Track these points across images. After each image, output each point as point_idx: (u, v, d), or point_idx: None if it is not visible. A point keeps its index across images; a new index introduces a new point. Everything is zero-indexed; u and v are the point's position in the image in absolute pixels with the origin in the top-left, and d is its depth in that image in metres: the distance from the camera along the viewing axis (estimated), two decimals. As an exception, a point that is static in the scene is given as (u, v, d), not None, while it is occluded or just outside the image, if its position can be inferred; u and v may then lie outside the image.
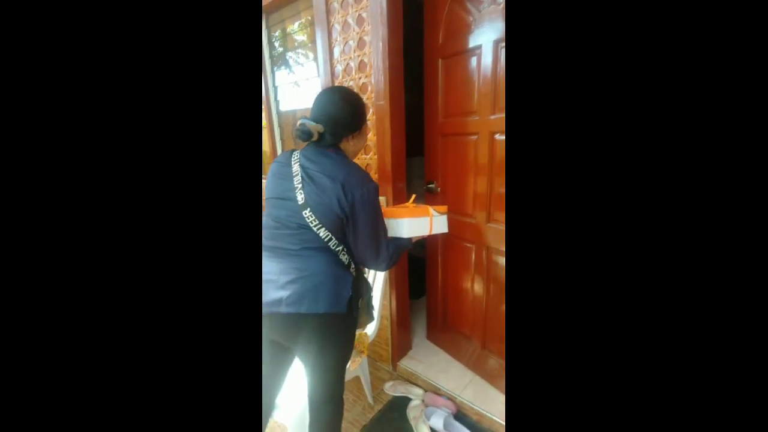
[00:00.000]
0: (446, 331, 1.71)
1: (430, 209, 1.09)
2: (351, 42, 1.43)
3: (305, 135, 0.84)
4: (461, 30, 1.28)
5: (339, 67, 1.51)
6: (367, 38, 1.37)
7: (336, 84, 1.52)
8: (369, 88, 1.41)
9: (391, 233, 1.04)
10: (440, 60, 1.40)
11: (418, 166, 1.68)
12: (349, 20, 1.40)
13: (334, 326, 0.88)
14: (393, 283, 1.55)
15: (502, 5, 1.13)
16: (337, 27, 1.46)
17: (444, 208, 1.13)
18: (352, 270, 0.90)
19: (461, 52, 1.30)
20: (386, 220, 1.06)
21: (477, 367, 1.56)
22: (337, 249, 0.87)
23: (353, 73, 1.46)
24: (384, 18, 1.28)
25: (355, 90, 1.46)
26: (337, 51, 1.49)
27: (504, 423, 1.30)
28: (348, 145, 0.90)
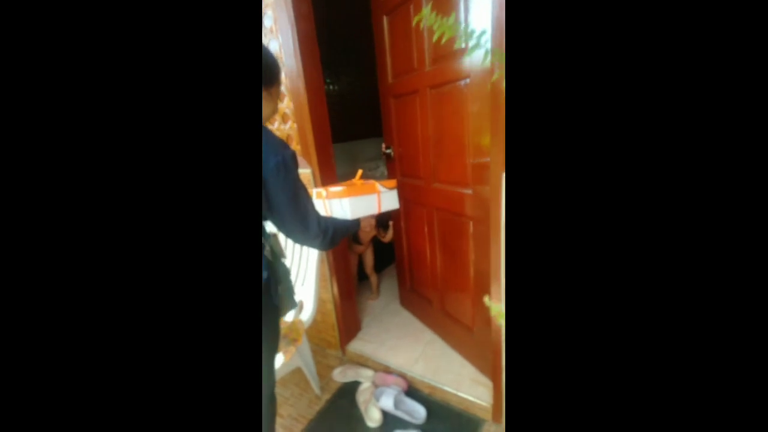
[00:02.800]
0: (413, 294, 1.71)
1: (377, 185, 1.01)
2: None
3: None
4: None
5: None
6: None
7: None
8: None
9: (335, 215, 0.97)
10: (385, 17, 1.34)
11: (372, 147, 1.63)
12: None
13: None
14: (333, 267, 1.48)
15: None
16: None
17: (393, 182, 1.06)
18: (266, 252, 0.82)
19: (400, 4, 1.24)
20: (329, 202, 0.98)
21: (438, 327, 1.57)
22: None
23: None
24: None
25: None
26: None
27: (455, 392, 1.28)
28: None
